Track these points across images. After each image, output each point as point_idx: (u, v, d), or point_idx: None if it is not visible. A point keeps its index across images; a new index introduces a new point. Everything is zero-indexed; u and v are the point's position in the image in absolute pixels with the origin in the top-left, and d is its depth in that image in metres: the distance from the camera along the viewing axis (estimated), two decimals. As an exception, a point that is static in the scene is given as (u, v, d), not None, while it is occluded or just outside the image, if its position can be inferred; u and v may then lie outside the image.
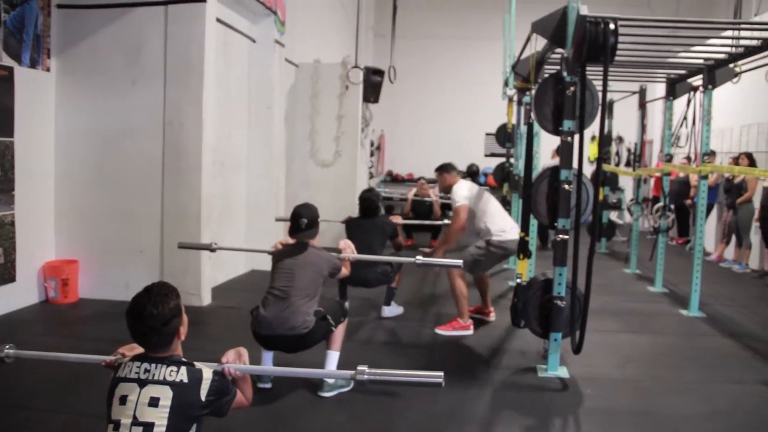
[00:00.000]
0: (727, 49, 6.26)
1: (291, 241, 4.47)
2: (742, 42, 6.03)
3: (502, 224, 5.84)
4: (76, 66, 6.44)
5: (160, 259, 6.46)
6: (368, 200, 6.43)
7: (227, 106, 7.60)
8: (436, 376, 2.38)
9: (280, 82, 8.68)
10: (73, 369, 3.92)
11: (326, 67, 10.17)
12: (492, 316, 6.26)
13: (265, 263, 7.99)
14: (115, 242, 6.52)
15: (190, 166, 6.38)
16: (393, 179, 16.22)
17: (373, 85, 10.64)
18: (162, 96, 6.38)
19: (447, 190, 6.21)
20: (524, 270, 5.10)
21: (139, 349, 2.47)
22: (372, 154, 14.51)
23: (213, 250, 5.17)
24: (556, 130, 4.72)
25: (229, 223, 7.79)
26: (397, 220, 6.76)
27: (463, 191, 5.92)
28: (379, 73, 10.67)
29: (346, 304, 5.76)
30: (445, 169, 6.24)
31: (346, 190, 9.87)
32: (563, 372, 4.77)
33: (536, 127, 5.47)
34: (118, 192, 6.48)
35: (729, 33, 6.57)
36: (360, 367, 2.43)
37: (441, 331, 5.76)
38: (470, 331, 5.79)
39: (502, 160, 10.90)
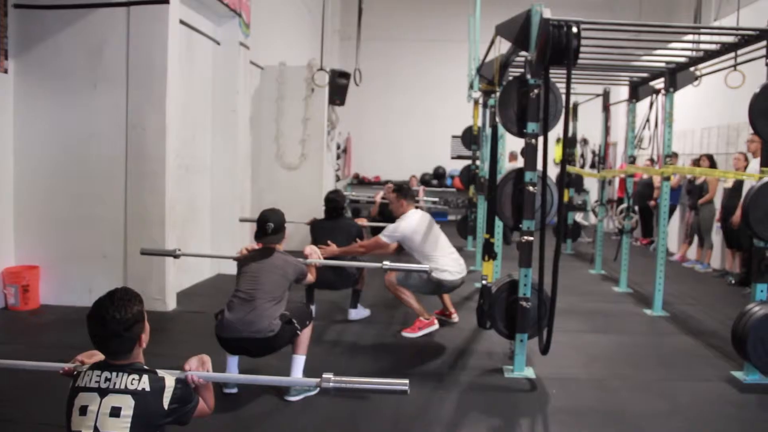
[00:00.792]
0: (688, 53, 6.37)
1: (257, 246, 4.44)
2: (702, 46, 6.14)
3: (443, 263, 5.71)
4: (35, 68, 6.31)
5: (123, 264, 6.36)
6: (333, 201, 6.40)
7: (191, 109, 7.51)
8: (401, 383, 2.37)
9: (245, 85, 8.61)
10: (30, 378, 3.85)
11: (291, 70, 10.13)
12: (455, 317, 6.22)
13: (231, 267, 7.91)
14: (77, 247, 6.41)
15: (153, 170, 6.28)
16: (360, 182, 16.20)
17: (338, 87, 10.62)
18: (124, 99, 6.28)
19: (395, 214, 6.04)
20: (490, 271, 5.12)
21: (99, 357, 2.41)
22: (338, 157, 14.47)
23: (177, 257, 5.08)
24: (520, 133, 4.76)
25: (194, 227, 7.70)
26: (363, 222, 6.74)
27: (403, 229, 5.76)
28: (345, 75, 10.65)
29: (312, 307, 5.74)
30: (402, 194, 6.04)
31: (313, 193, 9.82)
32: (530, 372, 4.79)
33: (501, 129, 5.50)
34: (80, 197, 6.36)
35: (690, 37, 6.68)
36: (325, 375, 2.41)
37: (407, 334, 5.72)
38: (435, 326, 5.80)
39: (469, 162, 10.98)
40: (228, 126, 8.28)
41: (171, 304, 6.48)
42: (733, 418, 4.18)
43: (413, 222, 5.79)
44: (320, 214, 6.84)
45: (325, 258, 5.25)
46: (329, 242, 5.82)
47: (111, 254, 6.37)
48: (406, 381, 2.37)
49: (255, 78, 9.77)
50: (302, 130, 10.15)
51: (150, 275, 6.28)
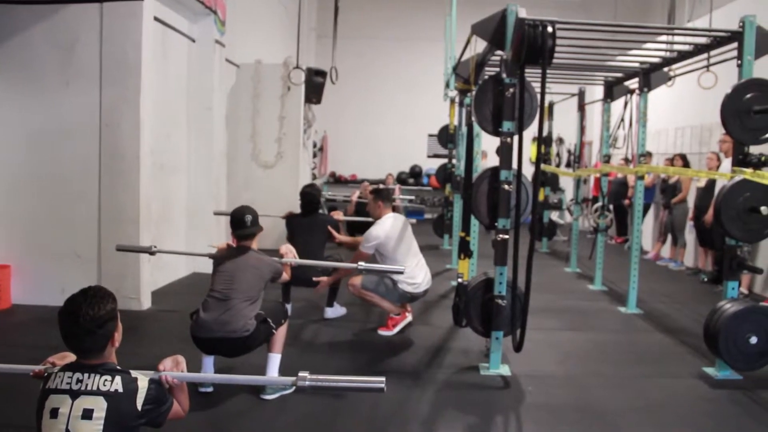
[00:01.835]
0: (662, 54, 6.44)
1: (233, 244, 4.41)
2: (676, 47, 6.21)
3: (413, 274, 5.68)
4: (5, 64, 6.21)
5: (97, 263, 6.28)
6: (309, 195, 6.38)
7: (166, 107, 7.44)
8: (378, 381, 2.36)
9: (221, 83, 8.56)
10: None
11: (267, 68, 10.08)
12: (408, 316, 5.98)
13: (207, 266, 7.84)
14: (49, 246, 6.32)
15: (128, 168, 6.22)
16: (336, 180, 16.17)
17: (315, 86, 10.60)
18: (98, 96, 6.20)
19: (373, 217, 6.01)
20: (465, 270, 5.13)
21: (71, 358, 2.38)
22: (315, 156, 14.44)
23: (152, 253, 5.04)
24: (495, 131, 4.77)
25: (169, 226, 7.64)
26: (339, 216, 6.70)
27: (377, 234, 5.68)
28: (321, 74, 10.63)
29: (288, 306, 5.72)
30: (379, 196, 6.01)
31: (289, 192, 9.76)
32: (505, 370, 4.82)
33: (477, 128, 5.52)
34: (52, 195, 6.28)
35: (664, 38, 6.75)
36: (301, 374, 2.40)
37: (383, 332, 5.73)
38: (409, 318, 5.85)
39: (445, 161, 11.00)
40: (203, 124, 8.23)
41: (146, 303, 6.42)
42: (705, 414, 4.23)
43: (386, 227, 5.74)
44: (297, 210, 6.82)
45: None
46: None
47: (85, 253, 6.30)
48: (383, 379, 2.37)
49: (231, 76, 9.71)
50: (278, 128, 10.11)
51: (125, 274, 6.21)
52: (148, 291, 6.50)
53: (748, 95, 4.65)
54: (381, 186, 12.76)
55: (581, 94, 9.69)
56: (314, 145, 13.76)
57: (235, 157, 9.87)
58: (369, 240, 5.67)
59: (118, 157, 6.22)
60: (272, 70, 10.05)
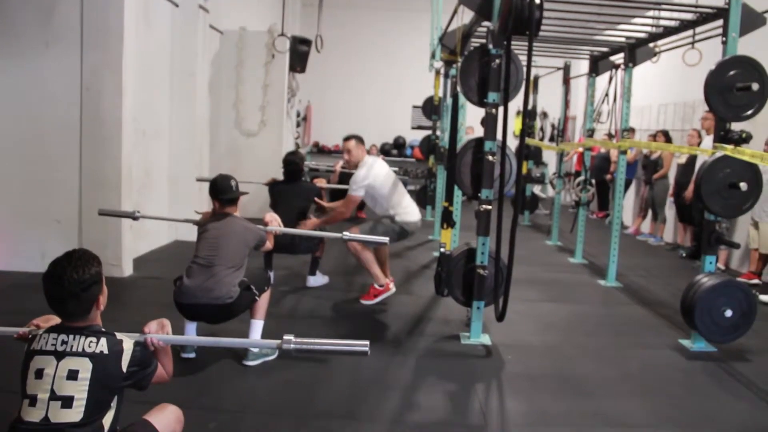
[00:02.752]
0: (648, 29, 6.44)
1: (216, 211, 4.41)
2: (662, 22, 6.21)
3: (405, 205, 5.78)
4: (-19, 25, 6.08)
5: (78, 229, 6.23)
6: (292, 163, 6.35)
7: (148, 73, 7.34)
8: (362, 344, 2.39)
9: (204, 49, 8.45)
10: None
11: (252, 35, 9.98)
12: (391, 287, 5.83)
13: (188, 234, 7.88)
14: (29, 212, 6.23)
15: (109, 134, 6.14)
16: (319, 150, 16.10)
17: (299, 54, 10.51)
18: (79, 60, 6.08)
19: (353, 164, 5.89)
20: (448, 239, 5.16)
21: (55, 321, 2.38)
22: (298, 125, 14.35)
23: (136, 218, 5.01)
24: (481, 102, 4.78)
25: (150, 193, 7.58)
26: (321, 183, 6.68)
27: (363, 177, 5.65)
28: (306, 42, 10.53)
29: (271, 273, 5.72)
30: (357, 138, 5.92)
31: (272, 160, 9.69)
32: (486, 339, 4.87)
33: (462, 99, 5.52)
34: (32, 160, 6.17)
35: (651, 13, 6.75)
36: (286, 336, 2.41)
37: (365, 301, 5.69)
38: (391, 291, 5.72)
39: (429, 132, 10.99)
40: (186, 90, 8.14)
41: (127, 270, 6.40)
42: (680, 384, 4.32)
43: (371, 165, 5.74)
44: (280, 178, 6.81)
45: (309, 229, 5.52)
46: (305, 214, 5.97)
47: (65, 219, 6.23)
48: (367, 342, 2.39)
49: (214, 42, 9.59)
50: (262, 96, 10.03)
51: (106, 240, 6.17)
52: (129, 258, 6.48)
53: (732, 72, 4.68)
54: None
55: (566, 68, 9.69)
56: (298, 115, 13.67)
57: (218, 125, 9.79)
58: (357, 182, 5.64)
59: (100, 122, 6.14)
60: (257, 37, 9.95)
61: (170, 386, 2.53)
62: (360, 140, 5.91)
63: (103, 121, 6.13)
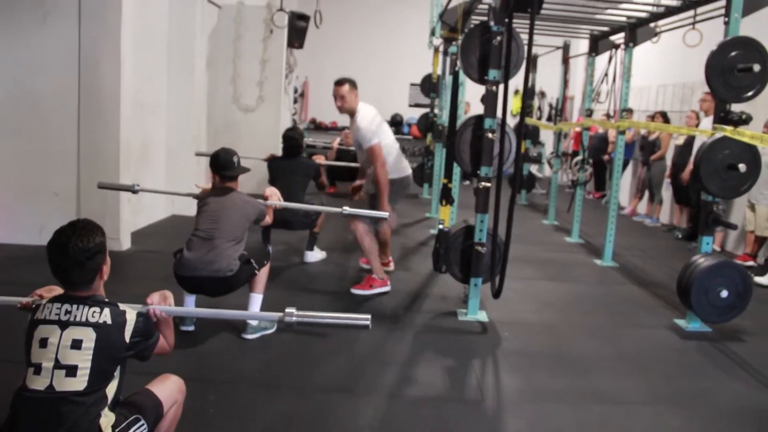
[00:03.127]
0: (649, 8, 6.41)
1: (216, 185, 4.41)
2: (663, 2, 6.18)
3: (398, 158, 5.57)
4: (-22, -4, 6.02)
5: (76, 203, 6.22)
6: (291, 139, 6.34)
7: (146, 46, 7.29)
8: (364, 318, 2.40)
9: (202, 24, 8.39)
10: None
11: (250, 10, 9.89)
12: (391, 266, 5.88)
13: (186, 208, 7.90)
14: (27, 185, 6.22)
15: (107, 107, 6.11)
16: (317, 127, 16.02)
17: (297, 30, 10.44)
18: (76, 32, 6.03)
19: (347, 111, 5.39)
20: (447, 216, 5.17)
21: (58, 291, 2.38)
22: (296, 101, 14.28)
23: (135, 192, 5.01)
24: (481, 79, 4.76)
25: (148, 167, 7.56)
26: (320, 159, 6.67)
27: (370, 122, 5.29)
28: (304, 18, 10.46)
29: (269, 247, 5.74)
30: (350, 82, 5.37)
31: (270, 136, 9.68)
32: (483, 316, 4.90)
33: (461, 76, 5.50)
34: (30, 133, 6.14)
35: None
36: (288, 309, 2.42)
37: (358, 291, 5.34)
38: (387, 287, 5.40)
39: (427, 110, 10.96)
40: (184, 64, 8.10)
41: (125, 244, 6.41)
42: (675, 363, 4.36)
43: (371, 111, 5.43)
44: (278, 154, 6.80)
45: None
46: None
47: (63, 192, 6.22)
48: (368, 316, 2.41)
49: (212, 17, 9.51)
50: (260, 71, 9.97)
51: (104, 214, 6.14)
52: (127, 232, 6.48)
53: (733, 53, 4.67)
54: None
55: (566, 47, 9.65)
56: (295, 91, 13.61)
57: (215, 100, 9.74)
58: (370, 129, 5.27)
59: (98, 95, 6.10)
60: (255, 12, 9.87)
61: (169, 358, 2.55)
62: (354, 84, 5.37)
63: (101, 94, 6.10)
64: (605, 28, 7.51)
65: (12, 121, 6.14)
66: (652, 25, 6.78)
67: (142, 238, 6.85)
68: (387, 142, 5.41)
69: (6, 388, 2.27)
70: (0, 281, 5.18)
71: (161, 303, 2.47)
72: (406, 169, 5.69)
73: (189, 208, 7.89)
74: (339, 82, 5.33)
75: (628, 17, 6.77)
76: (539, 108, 14.16)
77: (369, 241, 5.33)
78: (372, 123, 5.24)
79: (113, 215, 6.24)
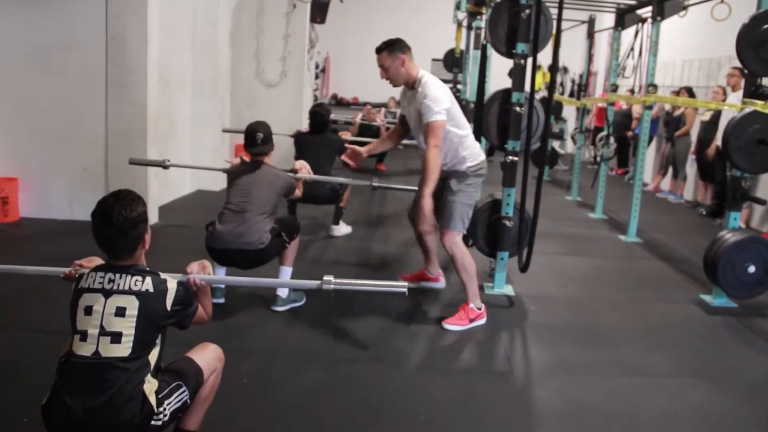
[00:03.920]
0: (678, -19, 6.34)
1: (246, 159, 4.44)
2: (692, -26, 6.11)
3: (474, 142, 4.33)
4: (7, -27, 6.07)
5: (104, 178, 6.29)
6: (318, 115, 6.38)
7: (171, 22, 7.31)
8: (401, 285, 2.44)
9: (226, -2, 8.41)
10: (27, 284, 3.88)
11: (273, -17, 9.87)
12: (441, 281, 4.94)
13: (211, 184, 7.98)
14: (57, 160, 6.31)
15: (134, 83, 6.16)
16: (338, 102, 16.05)
17: (320, 5, 10.43)
18: (104, 8, 6.07)
19: (404, 82, 4.23)
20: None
21: (98, 262, 2.43)
22: (317, 77, 14.29)
23: (166, 167, 5.07)
24: (509, 53, 4.75)
25: (174, 142, 7.62)
26: (347, 136, 6.69)
27: (441, 94, 4.04)
28: (327, -7, 10.44)
29: (299, 221, 5.79)
30: (388, 47, 4.15)
31: (293, 111, 9.72)
32: (509, 290, 4.94)
33: (489, 49, 5.48)
34: (58, 109, 6.22)
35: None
36: (326, 277, 2.47)
37: (452, 326, 4.19)
38: (484, 320, 4.30)
39: (449, 85, 10.91)
40: (208, 39, 8.13)
41: (153, 218, 6.49)
42: (701, 337, 4.37)
43: (439, 82, 4.16)
44: (305, 129, 6.84)
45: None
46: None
47: (92, 167, 6.30)
48: (405, 284, 2.45)
49: (235, -9, 9.52)
50: (283, 46, 9.95)
51: (132, 189, 6.12)
52: (155, 206, 6.56)
53: (766, 26, 4.61)
54: (381, 109, 12.70)
55: (591, 22, 9.55)
56: (317, 66, 13.61)
57: (239, 76, 9.75)
58: (438, 101, 3.98)
59: (125, 70, 6.15)
60: (278, -14, 9.84)
61: (201, 330, 2.59)
62: (395, 48, 4.13)
63: (129, 69, 6.15)
64: (632, 2, 7.43)
65: (41, 98, 6.21)
66: (680, -2, 6.70)
67: (169, 212, 6.94)
68: (461, 130, 4.18)
69: (50, 357, 2.34)
70: (33, 255, 5.29)
71: (200, 272, 2.52)
72: (480, 155, 4.33)
73: (214, 183, 8.01)
74: (376, 50, 4.21)
75: (657, -10, 6.69)
76: (561, 83, 14.07)
77: (469, 259, 4.30)
78: (435, 93, 4.00)
79: (141, 190, 6.15)
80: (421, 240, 4.70)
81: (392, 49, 4.11)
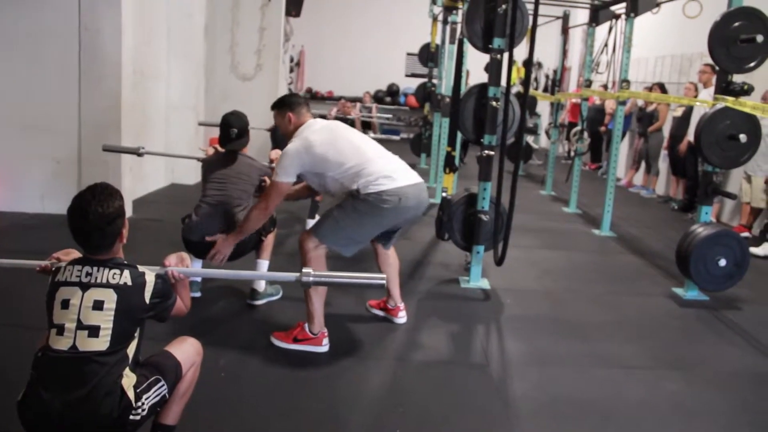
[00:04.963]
0: (651, -23, 6.41)
1: (221, 149, 4.43)
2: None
3: (385, 168, 3.64)
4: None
5: (77, 170, 6.21)
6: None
7: (146, 13, 7.22)
8: (379, 277, 2.44)
9: (201, -10, 8.34)
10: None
11: (248, -23, 9.80)
12: (401, 316, 4.18)
13: (185, 176, 7.92)
14: (28, 152, 6.19)
15: (108, 74, 6.08)
16: (312, 96, 15.98)
17: (294, -2, 10.37)
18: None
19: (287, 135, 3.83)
20: (450, 184, 5.21)
21: (75, 254, 2.41)
22: (291, 70, 14.23)
23: (140, 155, 5.02)
24: (485, 48, 4.77)
25: (148, 134, 7.52)
26: None
27: (296, 147, 3.61)
28: (302, -14, 10.39)
29: (274, 214, 5.77)
30: (287, 106, 3.86)
31: (268, 105, 9.52)
32: (485, 283, 4.97)
33: (466, 44, 5.50)
34: (30, 100, 6.10)
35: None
36: (305, 270, 2.46)
37: (278, 342, 3.72)
38: (323, 349, 3.70)
39: (424, 80, 10.94)
40: (183, 31, 8.06)
41: (127, 212, 6.39)
42: (674, 329, 4.45)
43: (310, 132, 3.66)
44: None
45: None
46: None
47: (65, 159, 6.21)
48: (384, 275, 2.45)
49: (210, -17, 9.43)
50: (258, 40, 9.88)
51: (105, 181, 6.13)
52: (129, 199, 6.46)
53: (736, 23, 4.69)
54: (356, 103, 12.69)
55: (566, 17, 9.63)
56: (291, 60, 13.54)
57: (214, 68, 9.66)
58: (285, 159, 3.60)
59: (98, 62, 6.07)
60: (253, -21, 9.77)
61: (178, 324, 2.59)
62: (288, 106, 3.85)
63: (102, 61, 6.07)
64: (606, -2, 7.50)
65: (12, 88, 6.09)
66: (653, -5, 6.77)
67: (143, 206, 6.87)
68: (328, 158, 3.59)
69: (24, 352, 2.31)
70: (6, 249, 5.19)
71: (178, 265, 2.51)
72: (392, 181, 3.60)
73: (188, 176, 7.95)
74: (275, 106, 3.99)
75: (630, -13, 6.76)
76: (536, 79, 14.16)
77: (318, 257, 3.69)
78: (295, 153, 3.60)
79: (115, 183, 5.95)
80: (376, 256, 4.22)
81: (280, 109, 3.90)
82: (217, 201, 4.11)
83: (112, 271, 2.27)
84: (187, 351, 2.51)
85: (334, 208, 3.70)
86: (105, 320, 2.20)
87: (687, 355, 4.04)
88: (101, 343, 2.18)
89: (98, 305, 2.21)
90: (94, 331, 2.19)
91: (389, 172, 3.61)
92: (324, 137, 3.63)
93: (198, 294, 4.27)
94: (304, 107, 3.83)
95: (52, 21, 6.03)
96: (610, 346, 4.06)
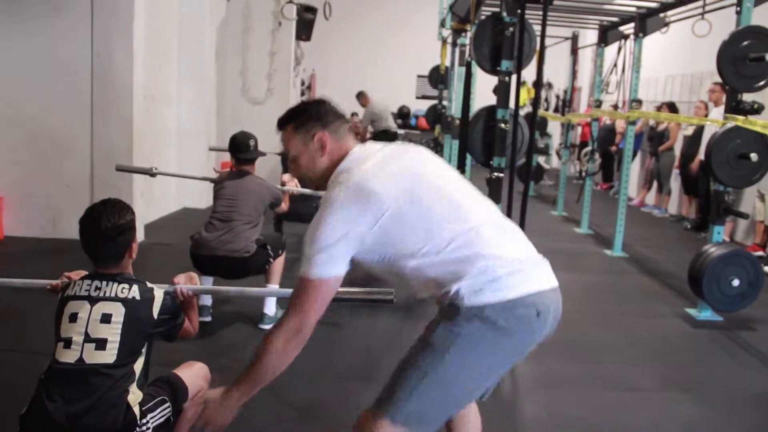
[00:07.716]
0: (660, -2, 6.43)
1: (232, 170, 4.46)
2: (674, -10, 6.20)
3: (504, 249, 1.99)
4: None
5: (90, 195, 6.24)
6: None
7: (157, 39, 7.32)
8: (387, 292, 2.42)
9: (212, 16, 8.43)
10: (11, 299, 3.85)
11: (259, 2, 9.87)
12: None
13: (197, 201, 7.96)
14: (41, 178, 6.27)
15: (120, 100, 6.16)
16: (324, 120, 16.05)
17: (305, 22, 10.44)
18: (89, 25, 6.07)
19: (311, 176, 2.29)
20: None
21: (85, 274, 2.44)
22: (302, 94, 14.30)
23: (153, 175, 5.06)
24: (494, 70, 4.80)
25: (159, 160, 7.56)
26: None
27: (342, 220, 2.01)
28: (312, 10, 10.46)
29: (284, 237, 5.78)
30: (313, 119, 2.17)
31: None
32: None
33: (473, 67, 5.53)
34: (42, 126, 6.19)
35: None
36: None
37: None
38: None
39: (434, 102, 10.98)
40: (194, 57, 8.16)
41: (139, 236, 6.41)
42: (687, 350, 4.41)
43: (380, 180, 1.94)
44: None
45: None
46: None
47: (76, 185, 6.26)
48: (392, 290, 2.43)
49: (221, 9, 9.52)
50: (269, 64, 9.98)
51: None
52: (141, 224, 6.53)
53: (745, 42, 4.69)
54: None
55: (575, 38, 9.65)
56: (302, 84, 13.63)
57: (224, 93, 9.75)
58: (324, 229, 2.05)
59: (111, 87, 6.14)
60: (263, 4, 9.85)
61: (187, 348, 2.58)
62: (318, 119, 2.16)
63: (114, 87, 6.14)
64: (614, 19, 7.52)
65: (25, 115, 6.18)
66: (661, 15, 6.79)
67: (154, 230, 6.91)
68: (429, 227, 1.97)
69: (29, 376, 2.30)
70: (17, 273, 5.19)
71: (187, 283, 2.52)
72: (528, 280, 2.00)
73: (199, 200, 7.99)
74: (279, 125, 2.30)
75: (638, 7, 6.78)
76: (546, 99, 14.17)
77: None
78: (330, 209, 2.10)
79: None
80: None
81: (297, 122, 2.21)
82: (226, 217, 4.14)
83: (121, 285, 2.30)
84: (194, 376, 2.52)
85: (416, 351, 2.09)
86: (112, 333, 2.21)
87: (699, 376, 4.00)
88: (108, 356, 2.19)
89: (106, 318, 2.22)
90: (101, 344, 2.20)
91: (517, 254, 2.03)
92: (397, 181, 1.95)
93: (208, 318, 4.27)
94: (345, 124, 2.18)
95: (65, 48, 6.12)
96: (621, 368, 4.02)
